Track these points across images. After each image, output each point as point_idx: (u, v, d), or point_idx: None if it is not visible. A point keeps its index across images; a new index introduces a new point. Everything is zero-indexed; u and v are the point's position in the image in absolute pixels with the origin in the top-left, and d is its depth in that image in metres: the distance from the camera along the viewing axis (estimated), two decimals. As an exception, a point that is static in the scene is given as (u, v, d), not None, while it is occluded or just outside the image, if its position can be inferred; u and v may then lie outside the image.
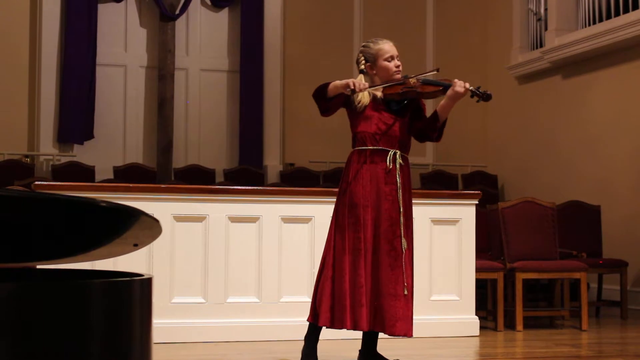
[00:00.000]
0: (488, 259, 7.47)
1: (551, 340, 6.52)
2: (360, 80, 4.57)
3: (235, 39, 11.31)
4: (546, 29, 10.49)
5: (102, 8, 10.82)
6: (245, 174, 10.63)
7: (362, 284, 4.50)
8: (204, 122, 11.18)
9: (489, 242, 7.97)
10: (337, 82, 4.56)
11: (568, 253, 7.89)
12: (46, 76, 10.51)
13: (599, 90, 9.72)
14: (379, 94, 4.72)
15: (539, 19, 10.82)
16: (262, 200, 6.26)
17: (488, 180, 11.40)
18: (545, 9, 10.58)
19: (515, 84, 11.31)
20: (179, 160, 10.94)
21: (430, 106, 4.89)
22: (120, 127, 10.92)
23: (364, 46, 4.82)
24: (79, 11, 10.56)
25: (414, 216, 6.65)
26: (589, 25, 9.76)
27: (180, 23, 11.08)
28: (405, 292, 4.52)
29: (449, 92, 4.61)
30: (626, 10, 9.20)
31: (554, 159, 10.39)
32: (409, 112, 4.74)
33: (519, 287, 7.06)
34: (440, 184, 10.77)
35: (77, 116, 10.50)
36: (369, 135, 4.66)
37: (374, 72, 4.74)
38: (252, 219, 6.24)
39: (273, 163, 11.22)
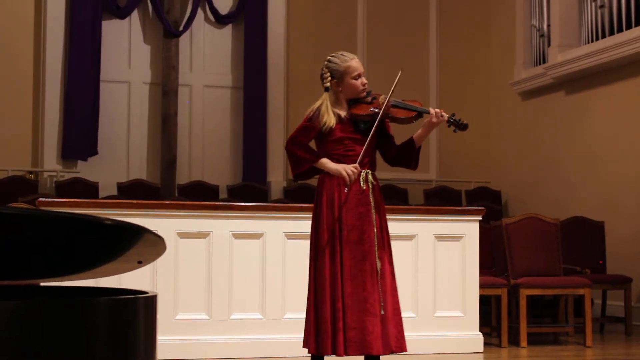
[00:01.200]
0: (492, 275, 7.45)
1: (555, 357, 6.50)
2: (351, 168, 4.45)
3: (239, 56, 11.33)
4: (549, 45, 10.49)
5: (106, 25, 10.84)
6: (249, 190, 10.62)
7: (340, 308, 4.41)
8: (207, 139, 11.19)
9: (492, 258, 7.95)
10: (330, 165, 4.48)
11: (572, 269, 7.88)
12: (50, 92, 10.53)
13: (603, 106, 9.72)
14: (343, 113, 4.57)
15: (542, 35, 10.82)
16: (265, 217, 6.26)
17: (491, 196, 11.38)
18: (548, 25, 10.59)
19: (519, 99, 11.31)
20: (183, 176, 10.94)
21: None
22: (124, 143, 10.92)
23: (329, 61, 4.57)
24: (83, 27, 10.58)
25: (417, 233, 6.62)
26: (592, 41, 9.76)
27: (183, 40, 11.10)
28: (382, 312, 4.44)
29: (425, 122, 4.54)
30: (629, 27, 9.20)
31: (558, 174, 10.38)
32: (377, 130, 4.57)
33: (523, 303, 7.04)
34: (444, 200, 10.75)
35: (81, 132, 10.51)
36: (339, 157, 4.52)
37: (340, 89, 4.57)
38: (256, 235, 6.23)
39: (276, 179, 11.21)
